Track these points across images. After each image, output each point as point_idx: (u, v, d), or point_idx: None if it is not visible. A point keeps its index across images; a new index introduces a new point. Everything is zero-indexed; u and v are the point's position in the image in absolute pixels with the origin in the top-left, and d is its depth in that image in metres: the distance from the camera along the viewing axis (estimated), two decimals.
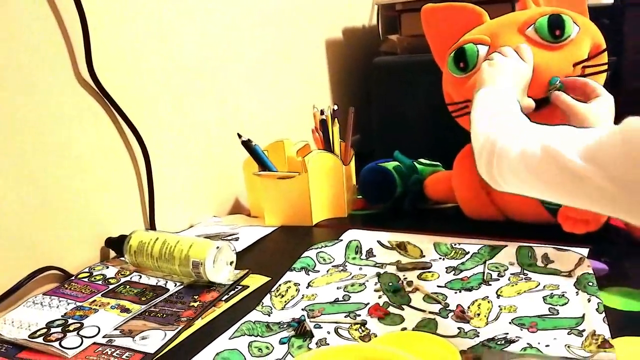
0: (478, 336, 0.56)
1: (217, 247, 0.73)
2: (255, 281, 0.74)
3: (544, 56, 0.76)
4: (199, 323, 0.65)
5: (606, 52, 0.79)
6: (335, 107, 0.97)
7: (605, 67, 0.79)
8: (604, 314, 0.55)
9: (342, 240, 0.81)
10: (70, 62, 0.77)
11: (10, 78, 0.70)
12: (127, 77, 0.86)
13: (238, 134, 0.93)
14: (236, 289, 0.72)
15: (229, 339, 0.59)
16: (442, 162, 1.01)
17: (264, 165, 0.94)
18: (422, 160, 1.01)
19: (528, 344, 0.53)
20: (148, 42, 0.89)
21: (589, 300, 0.59)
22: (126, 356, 0.58)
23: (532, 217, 0.83)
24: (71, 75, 0.77)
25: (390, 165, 0.98)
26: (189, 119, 0.98)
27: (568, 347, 0.52)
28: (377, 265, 0.76)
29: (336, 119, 0.96)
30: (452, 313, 0.61)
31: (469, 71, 0.82)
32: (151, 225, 0.90)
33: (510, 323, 0.58)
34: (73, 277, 0.75)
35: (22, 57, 0.71)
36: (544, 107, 0.77)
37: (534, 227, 0.82)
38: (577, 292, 0.62)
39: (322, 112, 0.96)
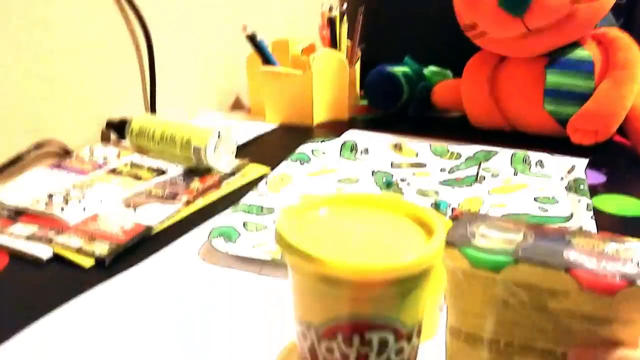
0: None
1: (219, 134, 0.74)
2: (255, 171, 0.76)
3: None
4: (198, 204, 0.66)
5: None
6: (345, 6, 0.95)
7: None
8: (592, 212, 0.57)
9: (338, 137, 0.82)
10: None
11: None
12: None
13: (243, 26, 0.91)
14: (235, 176, 0.74)
15: (225, 215, 0.61)
16: (452, 70, 1.00)
17: (267, 60, 0.93)
18: (431, 67, 1.00)
19: None
20: None
21: (578, 201, 0.60)
22: (128, 226, 0.59)
23: (539, 127, 0.84)
24: None
25: (399, 69, 0.98)
26: (194, 9, 0.96)
27: None
28: (372, 163, 0.77)
29: (345, 17, 0.95)
30: (449, 216, 0.63)
31: None
32: (152, 112, 0.90)
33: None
34: (74, 155, 0.76)
35: None
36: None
37: (537, 138, 0.83)
38: (567, 194, 0.64)
39: (330, 10, 0.94)
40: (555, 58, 0.81)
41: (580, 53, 0.80)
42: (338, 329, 0.25)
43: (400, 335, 0.26)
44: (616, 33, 0.81)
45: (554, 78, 0.80)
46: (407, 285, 0.25)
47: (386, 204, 0.29)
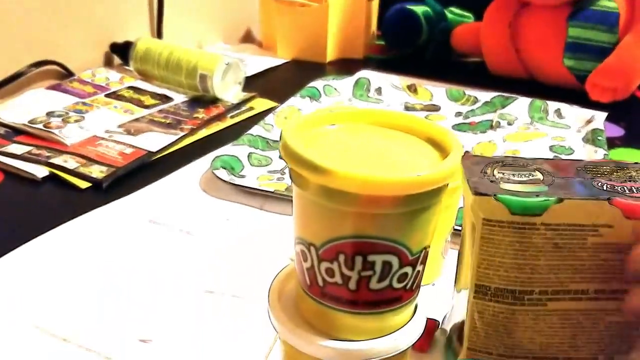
0: None
1: (227, 63, 0.71)
2: (262, 105, 0.73)
3: None
4: (202, 133, 0.64)
5: None
6: None
7: None
8: None
9: (351, 76, 0.79)
10: None
11: None
12: None
13: None
14: (241, 109, 0.71)
15: (231, 146, 0.59)
16: (474, 12, 0.96)
17: None
18: (453, 9, 0.96)
19: None
20: None
21: (595, 152, 0.58)
22: (128, 151, 0.58)
23: (558, 80, 0.80)
24: None
25: (419, 9, 0.93)
26: None
27: None
28: (384, 103, 0.74)
29: None
30: None
31: None
32: (158, 37, 0.86)
33: None
34: (75, 76, 0.74)
35: None
36: None
37: (556, 89, 0.80)
38: (584, 145, 0.61)
39: None
40: (579, 8, 0.76)
41: (606, 3, 0.76)
42: (340, 249, 0.24)
43: (405, 260, 0.24)
44: None
45: (576, 31, 0.76)
46: (416, 204, 0.23)
47: (400, 121, 0.27)
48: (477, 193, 0.27)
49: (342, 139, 0.26)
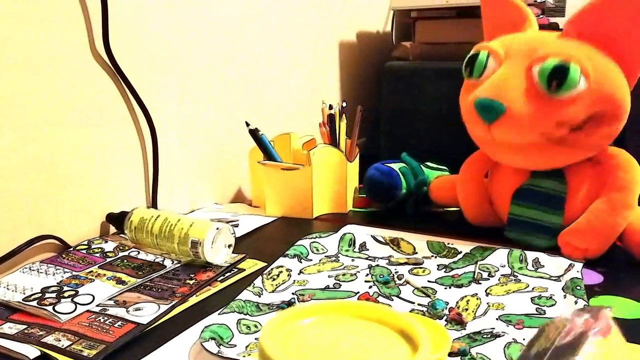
0: (465, 329, 0.57)
1: (217, 229, 0.74)
2: (251, 265, 0.75)
3: (529, 104, 0.71)
4: (193, 300, 0.66)
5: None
6: (344, 104, 0.98)
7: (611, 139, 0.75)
8: None
9: (336, 232, 0.82)
10: (87, 36, 0.79)
11: (30, 49, 0.72)
12: (142, 56, 0.88)
13: (246, 122, 0.94)
14: (232, 271, 0.74)
15: (218, 314, 0.60)
16: (449, 167, 1.01)
17: (269, 155, 0.95)
18: (429, 163, 1.02)
19: (513, 339, 0.54)
20: (165, 25, 0.91)
21: (575, 303, 0.59)
22: (119, 325, 0.59)
23: None
24: (87, 49, 0.79)
25: (397, 165, 0.99)
26: (199, 104, 0.99)
27: None
28: (370, 258, 0.77)
29: (344, 115, 0.98)
30: (446, 315, 0.61)
31: (472, 78, 0.80)
32: (153, 205, 0.91)
33: (497, 319, 0.59)
34: (71, 248, 0.77)
35: (42, 32, 0.73)
36: None
37: None
38: (564, 295, 0.63)
39: (330, 107, 0.98)
40: (527, 186, 0.80)
41: (552, 186, 0.78)
42: None
43: None
44: (617, 150, 0.78)
45: (517, 209, 0.80)
46: None
47: (372, 313, 0.29)
48: None
49: (316, 335, 0.28)
